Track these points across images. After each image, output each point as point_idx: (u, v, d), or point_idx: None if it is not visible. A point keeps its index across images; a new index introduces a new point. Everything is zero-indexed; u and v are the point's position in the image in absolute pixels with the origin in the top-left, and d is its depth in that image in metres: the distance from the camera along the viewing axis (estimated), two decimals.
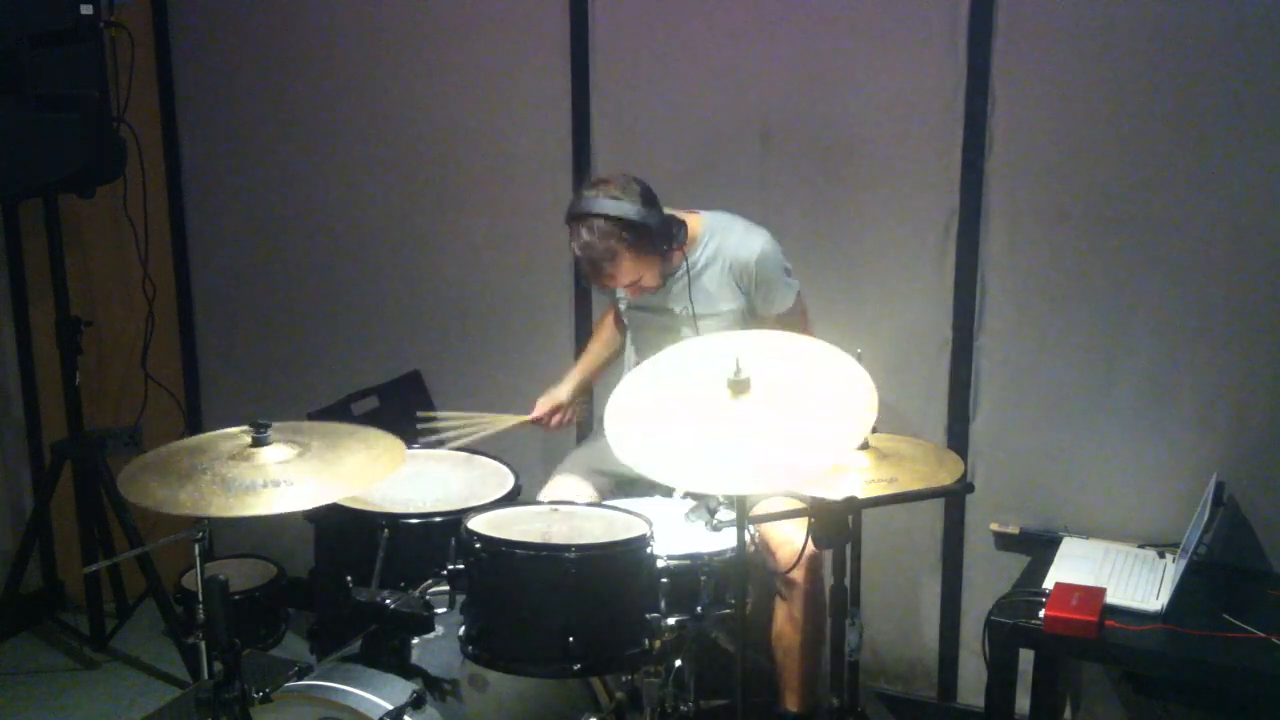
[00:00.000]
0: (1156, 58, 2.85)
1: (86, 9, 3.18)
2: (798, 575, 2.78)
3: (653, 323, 3.02)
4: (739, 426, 2.21)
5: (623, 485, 2.99)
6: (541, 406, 3.13)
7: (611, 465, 3.01)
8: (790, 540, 2.74)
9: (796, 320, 2.98)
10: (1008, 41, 2.96)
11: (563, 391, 3.14)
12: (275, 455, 2.22)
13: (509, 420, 3.12)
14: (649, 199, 2.82)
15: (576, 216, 2.79)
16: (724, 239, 2.93)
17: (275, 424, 2.27)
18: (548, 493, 2.97)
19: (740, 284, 2.93)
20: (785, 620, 2.85)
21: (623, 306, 3.10)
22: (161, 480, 2.16)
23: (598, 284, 2.95)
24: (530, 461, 3.13)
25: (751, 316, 2.98)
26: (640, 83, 3.34)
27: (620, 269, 2.80)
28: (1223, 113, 2.81)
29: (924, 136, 3.08)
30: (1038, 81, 2.96)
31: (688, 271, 2.92)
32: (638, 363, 3.09)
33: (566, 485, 2.96)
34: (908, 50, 3.07)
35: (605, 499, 2.93)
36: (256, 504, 2.10)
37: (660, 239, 2.81)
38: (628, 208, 2.76)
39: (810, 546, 2.53)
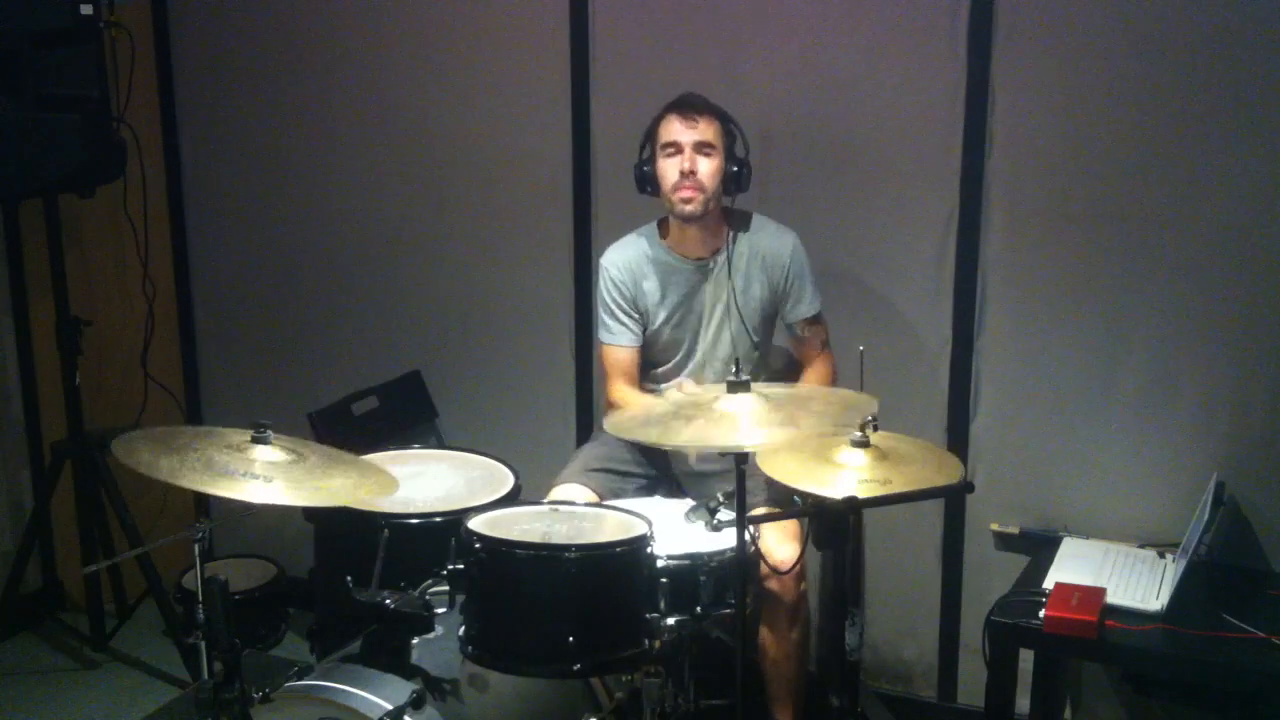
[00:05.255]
0: (1156, 57, 2.85)
1: (86, 9, 3.18)
2: (779, 589, 2.79)
3: (690, 319, 3.01)
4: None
5: (623, 482, 2.99)
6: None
7: (611, 463, 3.02)
8: (770, 552, 2.74)
9: (820, 334, 3.01)
10: (1008, 41, 2.96)
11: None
12: (269, 455, 2.24)
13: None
14: None
15: (704, 101, 2.89)
16: (757, 234, 2.98)
17: (287, 437, 2.30)
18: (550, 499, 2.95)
19: (771, 278, 2.96)
20: (767, 634, 2.86)
21: (676, 317, 3.02)
22: (152, 448, 2.21)
23: (687, 140, 2.86)
24: (530, 461, 3.12)
25: (770, 328, 3.02)
26: (640, 83, 3.34)
27: (707, 141, 2.86)
28: (1223, 112, 2.81)
29: (924, 136, 3.08)
30: (1038, 81, 2.96)
31: (729, 257, 2.94)
32: (693, 364, 3.06)
33: (565, 494, 2.94)
34: (908, 50, 3.07)
35: (605, 498, 2.94)
36: (228, 488, 2.13)
37: (736, 170, 2.90)
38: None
39: (801, 560, 2.53)
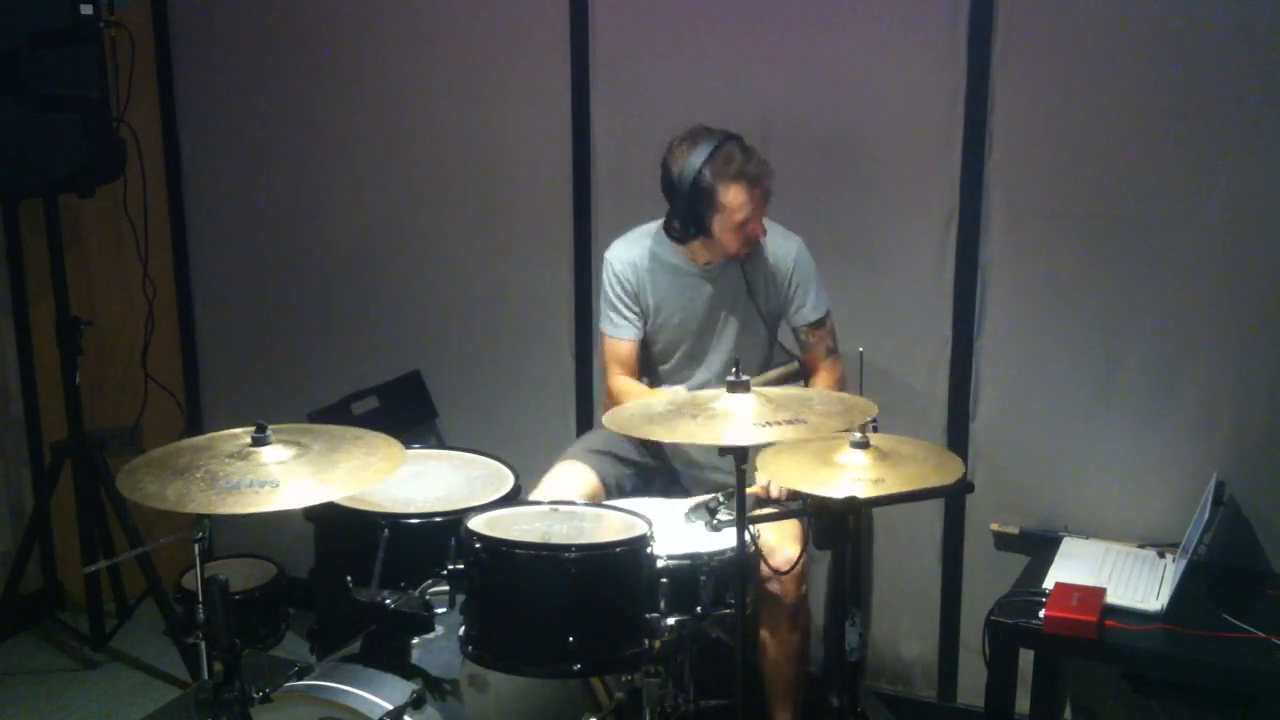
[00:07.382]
0: (1156, 58, 2.85)
1: (86, 9, 3.18)
2: (780, 591, 2.79)
3: (693, 322, 3.00)
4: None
5: (622, 467, 3.00)
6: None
7: (613, 447, 3.02)
8: (771, 553, 2.75)
9: (825, 340, 3.00)
10: (1008, 41, 2.96)
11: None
12: (273, 455, 2.20)
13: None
14: None
15: (762, 164, 2.81)
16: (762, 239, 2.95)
17: (283, 426, 2.27)
18: (549, 478, 2.95)
19: (775, 283, 2.96)
20: (767, 634, 2.86)
21: (676, 320, 3.02)
22: (155, 475, 2.16)
23: (754, 207, 2.82)
24: (530, 462, 3.12)
25: (774, 333, 3.01)
26: (640, 83, 3.34)
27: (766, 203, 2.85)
28: (1223, 112, 2.81)
29: (924, 136, 3.08)
30: (1038, 81, 2.96)
31: (735, 262, 2.93)
32: (697, 367, 3.06)
33: (567, 470, 2.96)
34: (908, 50, 3.07)
35: (605, 480, 2.95)
36: (239, 503, 2.09)
37: None
38: None
39: (801, 560, 2.53)
